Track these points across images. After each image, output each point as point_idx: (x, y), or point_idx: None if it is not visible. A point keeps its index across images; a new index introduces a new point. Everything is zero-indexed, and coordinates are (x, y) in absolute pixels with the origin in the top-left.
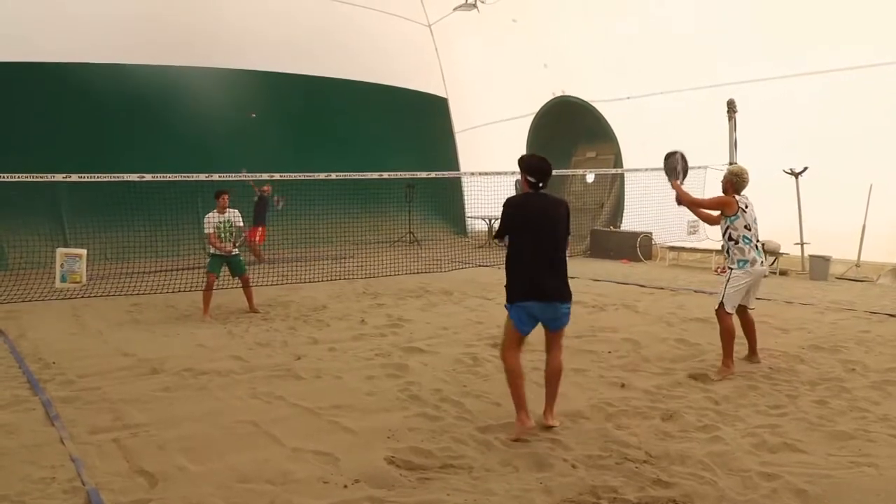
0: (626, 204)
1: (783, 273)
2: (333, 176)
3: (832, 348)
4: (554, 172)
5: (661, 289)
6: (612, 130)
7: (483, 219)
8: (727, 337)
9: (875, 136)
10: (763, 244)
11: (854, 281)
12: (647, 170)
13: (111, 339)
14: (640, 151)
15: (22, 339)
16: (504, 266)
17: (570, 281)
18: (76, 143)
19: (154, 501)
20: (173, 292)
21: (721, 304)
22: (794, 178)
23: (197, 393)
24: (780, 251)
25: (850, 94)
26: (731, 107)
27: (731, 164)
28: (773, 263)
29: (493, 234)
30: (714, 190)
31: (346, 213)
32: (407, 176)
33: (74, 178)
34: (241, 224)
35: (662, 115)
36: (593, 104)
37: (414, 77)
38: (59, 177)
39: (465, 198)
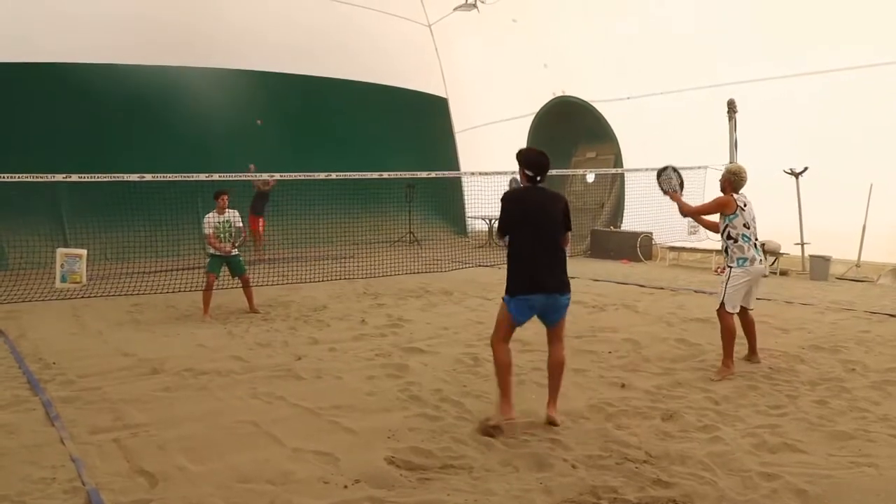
0: (626, 204)
1: (783, 273)
2: (333, 176)
3: (832, 348)
4: (554, 172)
5: (662, 289)
6: (612, 130)
7: (483, 219)
8: (728, 337)
9: (875, 136)
10: (763, 244)
11: (854, 281)
12: (647, 170)
13: (111, 340)
14: (640, 151)
15: (22, 340)
16: (506, 264)
17: (570, 281)
18: (76, 143)
19: (154, 501)
20: (173, 292)
21: (722, 305)
22: (794, 178)
23: (197, 393)
24: (781, 251)
25: (850, 94)
26: (731, 107)
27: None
28: (773, 263)
29: (494, 233)
30: (714, 190)
31: (346, 213)
32: (407, 176)
33: (74, 178)
34: (241, 224)
35: (662, 115)
36: (593, 104)
37: (414, 77)
38: (58, 177)
39: (465, 198)
